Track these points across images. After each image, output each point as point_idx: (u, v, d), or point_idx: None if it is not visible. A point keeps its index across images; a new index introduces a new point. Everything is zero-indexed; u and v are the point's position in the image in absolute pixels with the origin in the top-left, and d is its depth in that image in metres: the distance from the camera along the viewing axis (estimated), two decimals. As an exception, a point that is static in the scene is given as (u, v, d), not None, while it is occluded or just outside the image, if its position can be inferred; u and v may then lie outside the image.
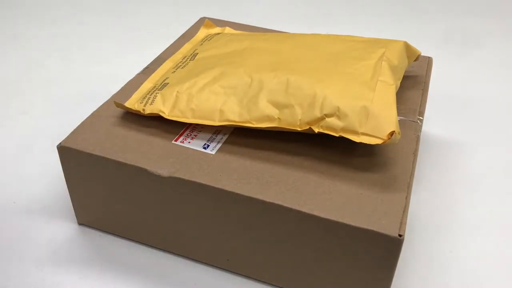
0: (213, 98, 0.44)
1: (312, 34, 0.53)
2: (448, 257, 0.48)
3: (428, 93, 0.61)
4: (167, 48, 0.57)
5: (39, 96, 0.68)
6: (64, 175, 0.45)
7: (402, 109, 0.48)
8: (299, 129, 0.41)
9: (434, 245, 0.49)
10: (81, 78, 0.72)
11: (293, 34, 0.54)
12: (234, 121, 0.43)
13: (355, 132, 0.40)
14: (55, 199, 0.51)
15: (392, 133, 0.39)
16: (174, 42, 0.58)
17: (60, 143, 0.43)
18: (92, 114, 0.46)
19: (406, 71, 0.54)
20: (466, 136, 0.63)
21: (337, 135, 0.40)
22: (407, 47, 0.50)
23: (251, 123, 0.42)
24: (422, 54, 0.58)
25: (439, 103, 0.69)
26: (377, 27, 0.91)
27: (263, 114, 0.42)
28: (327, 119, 0.40)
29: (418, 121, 0.47)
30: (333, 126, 0.40)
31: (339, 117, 0.40)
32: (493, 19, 0.96)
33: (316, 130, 0.41)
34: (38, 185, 0.53)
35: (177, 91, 0.45)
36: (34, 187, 0.53)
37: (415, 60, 0.52)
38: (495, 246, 0.49)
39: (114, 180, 0.43)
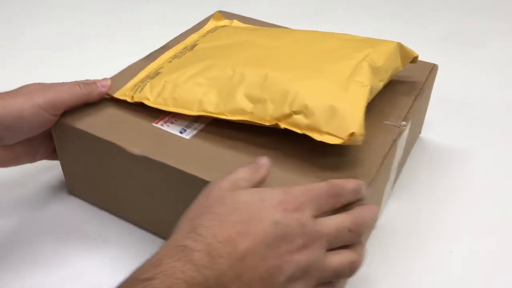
0: (195, 88, 0.46)
1: (311, 30, 0.54)
2: (448, 257, 0.48)
3: (431, 98, 0.59)
4: (174, 38, 0.59)
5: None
6: (56, 146, 0.49)
7: (388, 113, 0.48)
8: (267, 124, 0.42)
9: (434, 245, 0.49)
10: (82, 78, 0.74)
11: (294, 30, 0.55)
12: (210, 112, 0.44)
13: (319, 131, 0.40)
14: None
15: (352, 134, 0.39)
16: (183, 32, 0.60)
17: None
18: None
19: (405, 76, 0.53)
20: (467, 138, 0.62)
21: (300, 132, 0.41)
22: (401, 49, 0.49)
23: (225, 115, 0.44)
24: (426, 60, 0.56)
25: (439, 105, 0.67)
26: (378, 27, 0.90)
27: (237, 107, 0.43)
28: (294, 115, 0.41)
29: (400, 126, 0.46)
30: (299, 123, 0.41)
31: (306, 115, 0.41)
32: (493, 19, 0.93)
33: (282, 126, 0.41)
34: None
35: (165, 81, 0.47)
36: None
37: (412, 62, 0.51)
38: (494, 246, 0.49)
39: (95, 154, 0.46)
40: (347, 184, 0.37)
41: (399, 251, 0.48)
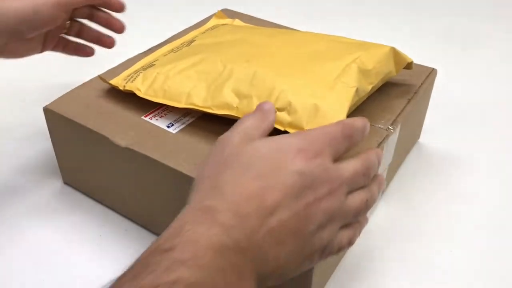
0: (185, 81, 0.46)
1: (307, 32, 0.54)
2: (448, 257, 0.47)
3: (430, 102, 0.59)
4: (176, 34, 0.60)
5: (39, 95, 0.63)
6: (49, 134, 0.50)
7: (378, 115, 0.47)
8: None
9: (434, 245, 0.49)
10: (84, 77, 0.72)
11: (290, 30, 0.55)
12: (198, 105, 0.45)
13: (301, 128, 0.40)
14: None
15: None
16: (185, 29, 0.61)
17: (46, 106, 0.48)
18: (83, 84, 0.51)
19: (401, 79, 0.52)
20: (466, 143, 0.61)
21: (282, 129, 0.41)
22: (395, 54, 0.49)
23: (212, 109, 0.44)
24: (427, 60, 0.56)
25: (439, 108, 0.65)
26: (378, 27, 0.89)
27: (224, 101, 0.44)
28: (278, 112, 0.41)
29: (388, 129, 0.46)
30: (282, 120, 0.41)
31: (289, 112, 0.41)
32: (494, 19, 0.92)
33: None
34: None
35: (157, 72, 0.48)
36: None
37: (407, 68, 0.51)
38: (494, 246, 0.49)
39: (84, 144, 0.47)
40: (356, 123, 0.35)
41: (392, 252, 0.48)
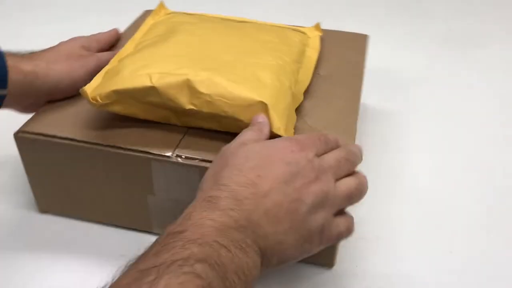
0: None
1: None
2: (448, 257, 0.48)
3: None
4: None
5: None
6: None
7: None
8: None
9: (434, 245, 0.49)
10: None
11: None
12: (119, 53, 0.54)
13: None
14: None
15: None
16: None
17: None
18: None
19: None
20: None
21: None
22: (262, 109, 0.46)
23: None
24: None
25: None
26: (378, 27, 0.89)
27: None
28: None
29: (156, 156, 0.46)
30: None
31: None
32: (495, 19, 0.94)
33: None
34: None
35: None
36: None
37: None
38: (494, 246, 0.49)
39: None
40: (330, 136, 0.43)
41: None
